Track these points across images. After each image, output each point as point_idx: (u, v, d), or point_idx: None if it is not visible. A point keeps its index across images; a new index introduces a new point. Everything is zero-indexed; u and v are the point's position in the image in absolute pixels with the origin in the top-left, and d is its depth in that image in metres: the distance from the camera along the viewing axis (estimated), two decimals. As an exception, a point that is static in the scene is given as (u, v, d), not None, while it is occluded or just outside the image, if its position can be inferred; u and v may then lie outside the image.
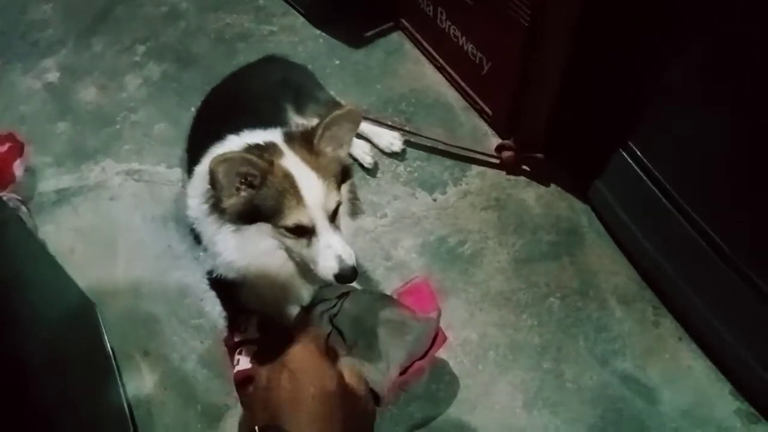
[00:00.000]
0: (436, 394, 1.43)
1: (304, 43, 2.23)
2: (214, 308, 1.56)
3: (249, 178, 1.06)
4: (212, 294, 1.57)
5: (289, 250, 1.16)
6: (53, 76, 2.11)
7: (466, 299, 1.59)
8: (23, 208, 1.61)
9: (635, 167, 1.55)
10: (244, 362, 1.36)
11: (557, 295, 1.60)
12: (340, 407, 0.62)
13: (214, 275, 1.26)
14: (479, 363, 1.48)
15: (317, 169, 1.09)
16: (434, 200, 1.80)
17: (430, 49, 2.16)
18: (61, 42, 2.25)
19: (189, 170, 1.40)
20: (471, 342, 1.51)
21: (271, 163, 1.06)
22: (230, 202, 1.08)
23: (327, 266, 1.09)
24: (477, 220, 1.76)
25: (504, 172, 1.87)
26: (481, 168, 1.89)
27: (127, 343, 1.50)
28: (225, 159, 1.00)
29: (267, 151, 1.10)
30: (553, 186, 1.83)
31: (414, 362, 1.34)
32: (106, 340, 1.39)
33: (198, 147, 1.34)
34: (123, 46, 2.24)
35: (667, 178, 1.47)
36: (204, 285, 1.58)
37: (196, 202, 1.19)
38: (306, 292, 1.31)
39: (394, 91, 2.10)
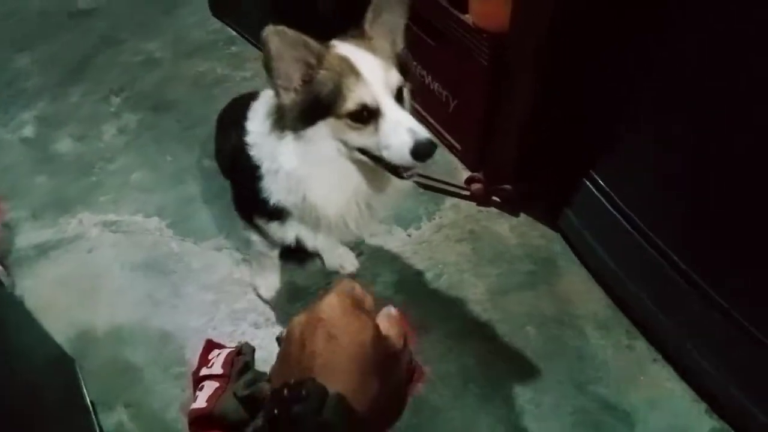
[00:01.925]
0: (418, 428, 1.44)
1: (277, 86, 2.28)
2: (195, 354, 1.56)
3: (308, 72, 1.00)
4: (193, 341, 1.59)
5: (353, 154, 1.06)
6: (30, 130, 2.14)
7: (444, 332, 1.61)
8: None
9: (599, 196, 1.60)
10: (200, 400, 1.35)
11: (534, 324, 1.63)
12: (377, 364, 0.56)
13: (272, 205, 1.17)
14: (460, 396, 1.50)
15: (373, 50, 1.03)
16: (409, 235, 1.84)
17: (400, 88, 2.22)
18: (39, 93, 2.29)
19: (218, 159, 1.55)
20: (451, 375, 1.53)
21: (327, 48, 1.02)
22: (290, 97, 1.02)
23: (401, 143, 0.98)
24: (453, 253, 1.79)
25: (476, 205, 1.92)
26: (455, 201, 1.93)
27: (108, 394, 1.50)
28: (279, 31, 0.95)
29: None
30: (524, 216, 1.88)
31: (393, 400, 1.35)
32: (86, 395, 1.39)
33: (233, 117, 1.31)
34: (100, 95, 2.28)
35: (628, 205, 1.53)
36: (185, 332, 1.61)
37: (257, 125, 1.14)
38: (376, 206, 1.21)
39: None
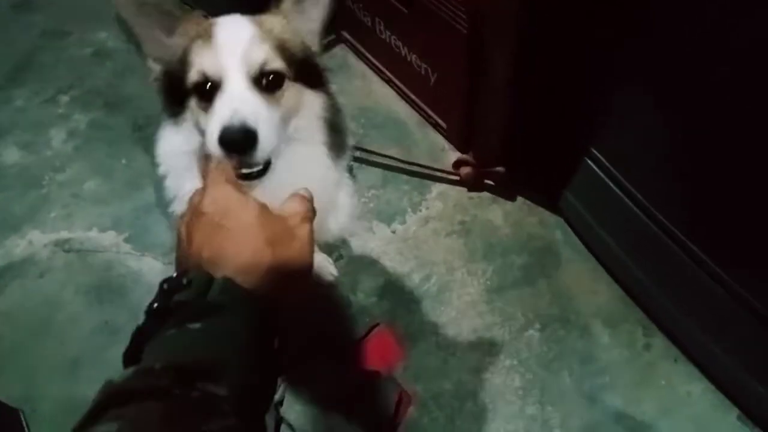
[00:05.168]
0: (411, 458, 1.29)
1: (239, 70, 2.06)
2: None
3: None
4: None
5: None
6: (-29, 142, 1.94)
7: (436, 343, 1.44)
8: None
9: (602, 175, 1.40)
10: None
11: (536, 326, 1.45)
12: (266, 240, 0.57)
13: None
14: (456, 417, 1.33)
15: (261, 22, 0.82)
16: (393, 232, 1.64)
17: (376, 62, 1.99)
18: (-21, 101, 2.08)
19: None
20: (445, 393, 1.36)
21: (189, 11, 0.83)
22: (153, 66, 0.85)
23: (215, 123, 0.73)
24: (441, 249, 1.60)
25: (466, 190, 1.71)
26: (442, 188, 1.73)
27: (66, 439, 1.35)
28: None
29: None
30: (520, 200, 1.68)
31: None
32: (32, 451, 1.24)
33: None
34: (47, 96, 2.06)
35: (635, 186, 1.32)
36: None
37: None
38: None
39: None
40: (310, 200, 0.65)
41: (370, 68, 2.03)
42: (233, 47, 0.77)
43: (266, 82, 0.78)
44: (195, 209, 0.61)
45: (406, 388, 1.30)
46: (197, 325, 0.51)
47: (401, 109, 1.92)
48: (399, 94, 1.96)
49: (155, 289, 0.57)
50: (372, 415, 1.17)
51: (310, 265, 0.62)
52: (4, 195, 1.79)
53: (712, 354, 1.31)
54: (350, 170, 1.70)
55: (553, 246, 1.58)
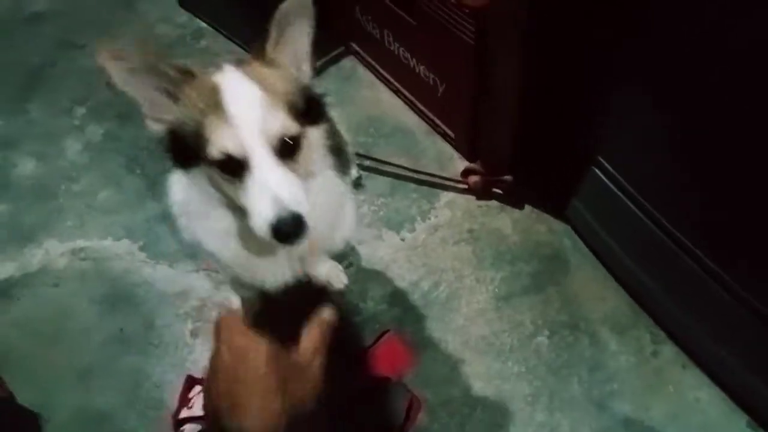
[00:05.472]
0: (421, 465, 1.30)
1: (250, 81, 2.09)
2: (174, 393, 1.43)
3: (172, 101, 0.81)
4: (170, 378, 1.45)
5: (232, 203, 0.85)
6: (-14, 154, 1.98)
7: (445, 350, 1.45)
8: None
9: (608, 183, 1.41)
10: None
11: (545, 333, 1.46)
12: (277, 381, 0.64)
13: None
14: (466, 424, 1.34)
15: (262, 80, 0.80)
16: (402, 240, 1.66)
17: (384, 73, 2.02)
18: (-7, 112, 2.12)
19: None
20: (454, 400, 1.37)
21: (191, 74, 0.81)
22: (159, 128, 0.83)
23: (260, 213, 0.76)
24: (450, 257, 1.62)
25: (475, 198, 1.73)
26: (450, 196, 1.75)
27: (80, 447, 1.37)
28: (114, 55, 0.77)
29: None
30: (528, 208, 1.69)
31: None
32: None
33: None
34: (62, 108, 2.10)
35: (641, 193, 1.34)
36: (162, 368, 1.47)
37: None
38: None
39: (351, 121, 1.95)
40: (325, 329, 0.73)
41: (379, 79, 2.06)
42: (250, 121, 0.76)
43: (287, 149, 0.79)
44: (214, 365, 0.67)
45: (416, 394, 1.32)
46: None
47: (409, 118, 1.94)
48: (407, 104, 1.98)
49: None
50: (382, 421, 1.18)
51: (320, 393, 0.69)
52: (20, 206, 1.83)
53: (720, 360, 1.31)
54: (359, 180, 1.74)
55: (561, 253, 1.60)
